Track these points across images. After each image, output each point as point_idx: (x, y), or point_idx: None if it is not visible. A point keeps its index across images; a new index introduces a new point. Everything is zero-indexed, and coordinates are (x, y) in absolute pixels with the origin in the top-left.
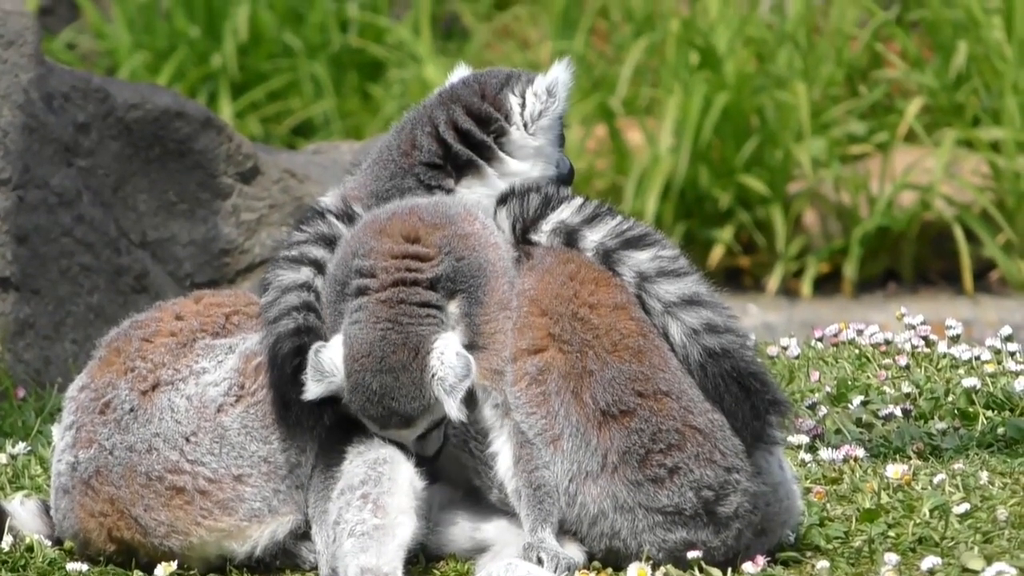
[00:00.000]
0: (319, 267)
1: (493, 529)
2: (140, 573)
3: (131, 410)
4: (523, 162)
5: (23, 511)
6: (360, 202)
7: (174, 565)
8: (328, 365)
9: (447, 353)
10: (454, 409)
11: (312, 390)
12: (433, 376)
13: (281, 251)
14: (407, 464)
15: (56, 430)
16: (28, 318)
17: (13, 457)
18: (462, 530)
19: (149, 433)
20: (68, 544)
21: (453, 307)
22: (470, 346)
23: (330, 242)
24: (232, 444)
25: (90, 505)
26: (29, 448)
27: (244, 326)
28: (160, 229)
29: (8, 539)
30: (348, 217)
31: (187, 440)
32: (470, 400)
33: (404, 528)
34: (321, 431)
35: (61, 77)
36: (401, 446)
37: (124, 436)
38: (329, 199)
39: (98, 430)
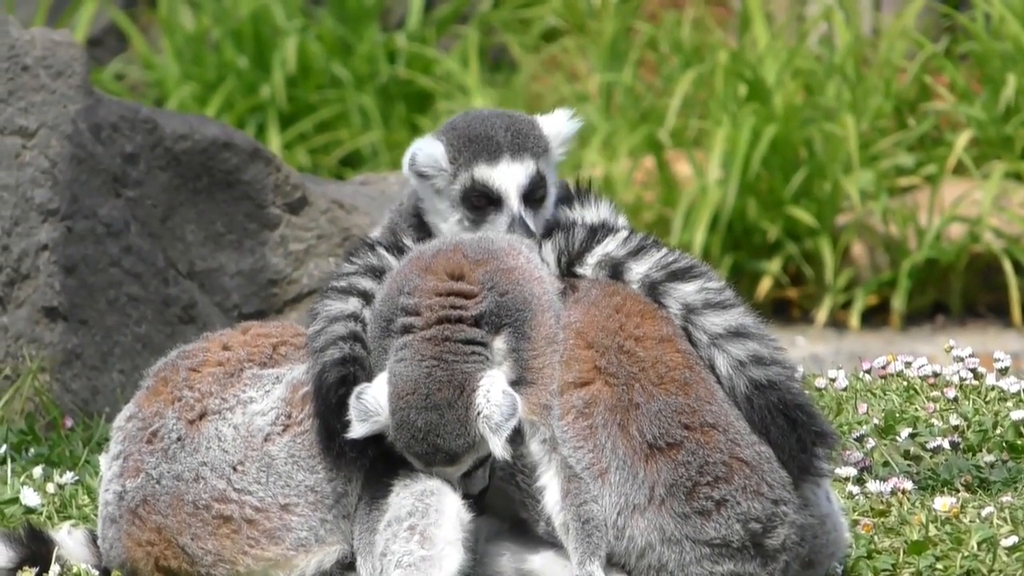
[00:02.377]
0: (367, 298)
1: (540, 560)
2: None
3: (178, 439)
4: None
5: (70, 540)
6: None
7: None
8: (372, 405)
9: (493, 391)
10: (499, 447)
11: (357, 430)
12: (479, 414)
13: (330, 281)
14: (454, 496)
15: (104, 459)
16: (76, 348)
17: (61, 487)
18: (509, 562)
19: (196, 462)
20: (115, 574)
21: (499, 343)
22: (517, 381)
23: (379, 274)
24: (279, 473)
25: (137, 534)
26: (76, 478)
27: (291, 356)
28: (208, 260)
29: (56, 568)
30: (398, 249)
31: (234, 469)
32: (516, 436)
33: (451, 559)
34: (365, 461)
35: (109, 108)
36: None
37: (171, 465)
38: (379, 232)
39: (145, 459)
